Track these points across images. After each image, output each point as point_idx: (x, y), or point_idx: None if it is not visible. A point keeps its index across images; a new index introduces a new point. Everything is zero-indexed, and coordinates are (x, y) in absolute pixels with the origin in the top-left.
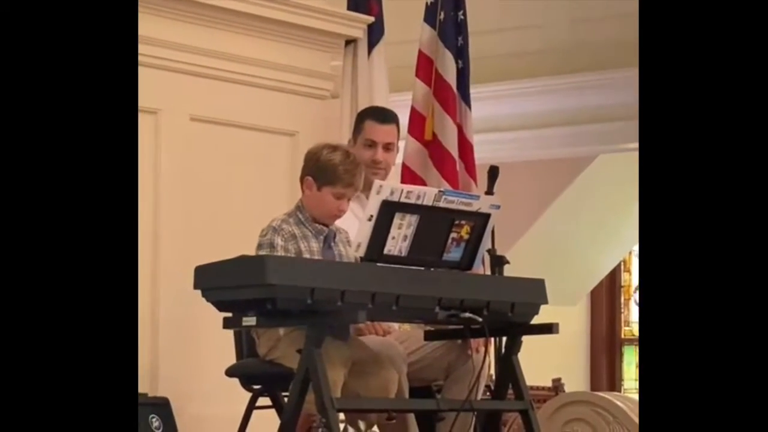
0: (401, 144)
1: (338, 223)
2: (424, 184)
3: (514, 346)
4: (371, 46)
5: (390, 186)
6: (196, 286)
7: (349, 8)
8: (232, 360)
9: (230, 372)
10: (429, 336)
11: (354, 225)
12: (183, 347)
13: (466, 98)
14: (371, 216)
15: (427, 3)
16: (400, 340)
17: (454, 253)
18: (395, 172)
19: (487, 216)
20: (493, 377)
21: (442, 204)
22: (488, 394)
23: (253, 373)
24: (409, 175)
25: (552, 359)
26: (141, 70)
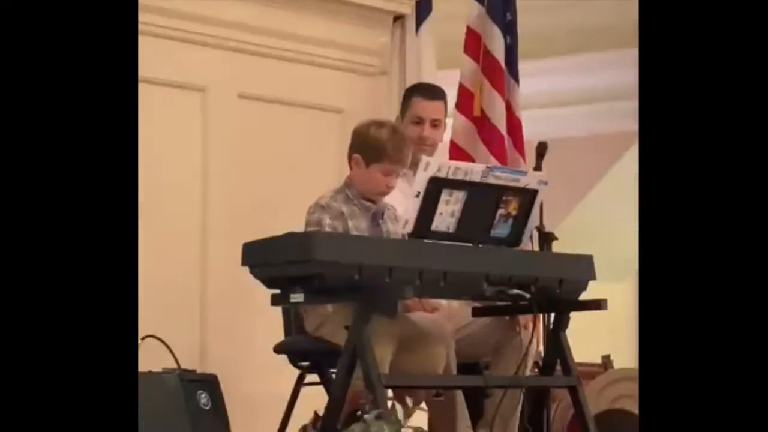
0: (449, 121)
1: (387, 199)
2: (472, 160)
3: (562, 322)
4: (419, 22)
5: (437, 162)
6: (244, 263)
7: None
8: (280, 337)
9: (278, 349)
10: (477, 312)
11: (401, 202)
12: (232, 324)
13: (514, 74)
14: (419, 192)
15: None
16: (448, 316)
17: (501, 230)
18: (443, 149)
19: (535, 192)
20: (541, 354)
21: (489, 180)
22: (536, 370)
23: (301, 349)
24: (457, 152)
25: (600, 335)
26: (189, 48)
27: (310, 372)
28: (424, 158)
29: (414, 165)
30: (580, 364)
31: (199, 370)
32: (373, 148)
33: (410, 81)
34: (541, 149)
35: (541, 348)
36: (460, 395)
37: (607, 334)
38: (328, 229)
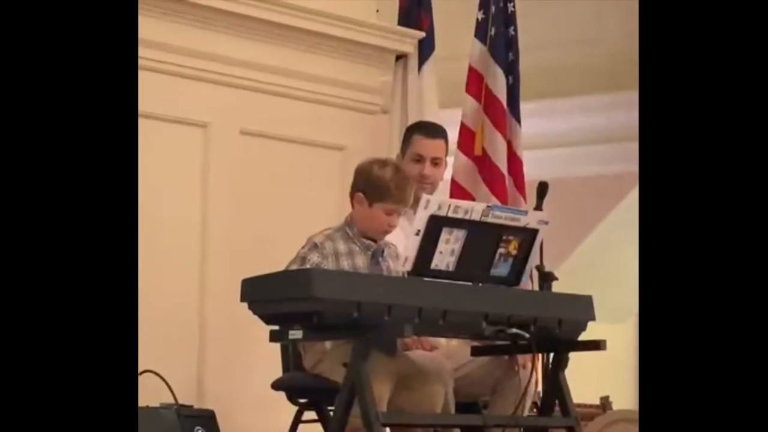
0: (450, 159)
1: (387, 237)
2: (473, 199)
3: (561, 362)
4: (421, 61)
5: (438, 200)
6: (242, 299)
7: (400, 23)
8: (278, 373)
9: (276, 385)
10: (476, 351)
11: (402, 239)
12: (229, 360)
13: (516, 114)
14: (419, 230)
15: (477, 19)
16: (447, 355)
17: (501, 269)
18: (444, 188)
19: (535, 231)
20: (540, 394)
21: (490, 219)
22: (535, 410)
23: (299, 386)
24: (458, 191)
25: (600, 376)
26: (191, 84)
27: (308, 409)
28: (425, 196)
29: (414, 203)
30: (579, 405)
31: (196, 406)
32: (377, 187)
33: (412, 119)
34: (542, 189)
35: (540, 388)
36: None
37: (606, 375)
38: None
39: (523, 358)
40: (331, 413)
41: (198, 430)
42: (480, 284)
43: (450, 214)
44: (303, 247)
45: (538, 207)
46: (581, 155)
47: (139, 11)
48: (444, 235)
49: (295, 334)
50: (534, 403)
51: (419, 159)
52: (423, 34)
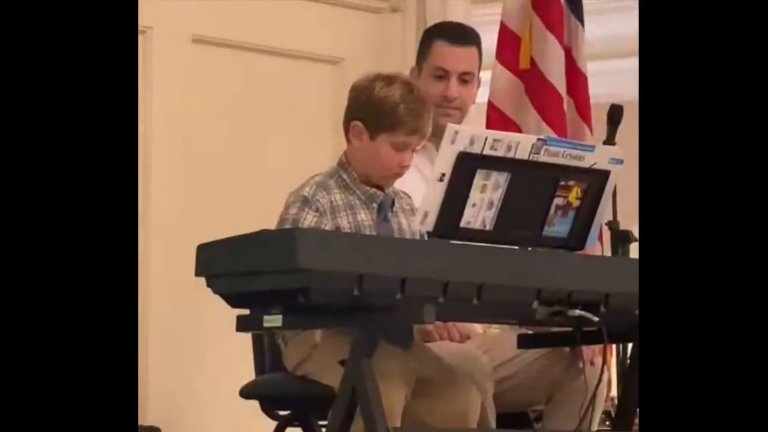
0: (485, 75)
1: (398, 184)
2: (517, 129)
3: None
4: None
5: (469, 132)
6: (198, 273)
7: None
8: (249, 376)
9: (247, 392)
10: (524, 342)
11: (419, 187)
12: (180, 358)
13: (577, 11)
14: (443, 174)
15: None
16: (484, 348)
17: (559, 227)
18: (477, 114)
19: (606, 174)
20: (614, 400)
21: (542, 157)
22: (607, 423)
23: (279, 393)
24: (496, 118)
25: None
26: None
27: (291, 424)
28: (451, 126)
29: (436, 136)
30: None
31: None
32: (381, 113)
33: (432, 20)
34: (615, 115)
35: (614, 392)
36: None
37: None
38: None
39: (591, 352)
40: (324, 430)
41: None
42: (529, 248)
43: (487, 151)
44: (288, 208)
45: (610, 140)
46: None
47: None
48: (479, 180)
49: (273, 320)
50: (606, 414)
51: (442, 74)
52: None
